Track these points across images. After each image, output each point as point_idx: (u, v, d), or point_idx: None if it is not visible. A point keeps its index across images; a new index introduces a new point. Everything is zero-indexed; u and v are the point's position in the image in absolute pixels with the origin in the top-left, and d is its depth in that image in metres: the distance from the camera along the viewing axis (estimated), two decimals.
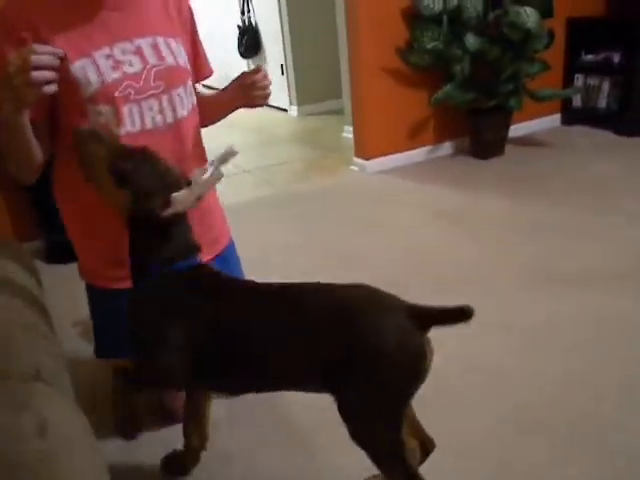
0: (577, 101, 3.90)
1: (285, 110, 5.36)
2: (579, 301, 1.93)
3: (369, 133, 3.41)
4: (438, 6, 3.13)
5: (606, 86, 3.72)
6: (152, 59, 1.29)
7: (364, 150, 3.45)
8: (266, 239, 2.68)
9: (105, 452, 1.44)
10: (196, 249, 1.20)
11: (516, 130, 3.72)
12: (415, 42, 3.22)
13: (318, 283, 1.12)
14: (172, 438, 1.52)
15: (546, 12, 3.12)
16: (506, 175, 3.18)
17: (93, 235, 1.39)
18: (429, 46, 3.16)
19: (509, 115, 3.43)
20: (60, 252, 2.65)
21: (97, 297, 1.46)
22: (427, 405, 1.18)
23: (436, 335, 1.03)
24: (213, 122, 1.54)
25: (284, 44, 5.08)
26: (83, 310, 2.18)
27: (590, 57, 3.77)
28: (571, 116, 3.94)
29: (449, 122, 3.57)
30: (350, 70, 3.37)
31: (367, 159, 3.42)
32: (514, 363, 1.67)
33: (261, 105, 1.42)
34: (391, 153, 3.46)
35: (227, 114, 1.51)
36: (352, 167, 3.51)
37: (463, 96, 3.23)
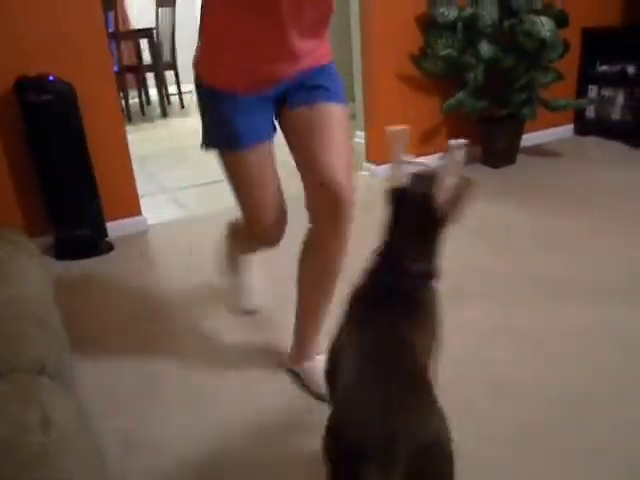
0: (590, 112, 3.88)
1: None
2: (594, 313, 1.92)
3: (381, 138, 3.41)
4: (453, 14, 3.12)
5: (620, 98, 3.70)
6: None
7: (375, 155, 3.45)
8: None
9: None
10: None
11: (528, 139, 3.71)
12: (429, 49, 3.22)
13: None
14: (167, 438, 1.52)
15: (561, 22, 3.11)
16: (518, 184, 3.17)
17: (233, 46, 1.43)
18: (443, 53, 3.16)
19: (522, 124, 3.42)
20: (70, 248, 2.67)
21: (213, 98, 1.51)
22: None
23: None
24: None
25: None
26: (91, 306, 2.20)
27: (605, 68, 3.76)
28: (584, 127, 3.93)
29: (461, 129, 3.55)
30: (363, 75, 3.38)
31: (378, 164, 3.42)
32: (525, 373, 1.66)
33: None
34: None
35: None
36: (363, 172, 3.51)
37: (476, 104, 3.22)
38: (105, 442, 1.50)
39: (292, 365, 1.73)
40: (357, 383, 0.96)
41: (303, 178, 1.52)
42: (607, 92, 3.77)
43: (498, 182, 3.21)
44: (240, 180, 1.57)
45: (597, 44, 3.73)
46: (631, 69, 3.60)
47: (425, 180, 1.17)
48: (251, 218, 1.63)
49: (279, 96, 1.53)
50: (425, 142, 3.51)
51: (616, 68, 3.69)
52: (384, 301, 1.11)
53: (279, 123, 1.58)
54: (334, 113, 1.49)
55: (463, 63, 3.16)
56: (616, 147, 3.64)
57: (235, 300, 2.08)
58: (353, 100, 4.20)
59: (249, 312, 2.07)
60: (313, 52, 1.50)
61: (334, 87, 1.53)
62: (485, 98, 3.23)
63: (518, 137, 3.47)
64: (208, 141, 1.58)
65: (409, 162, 1.24)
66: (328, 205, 1.44)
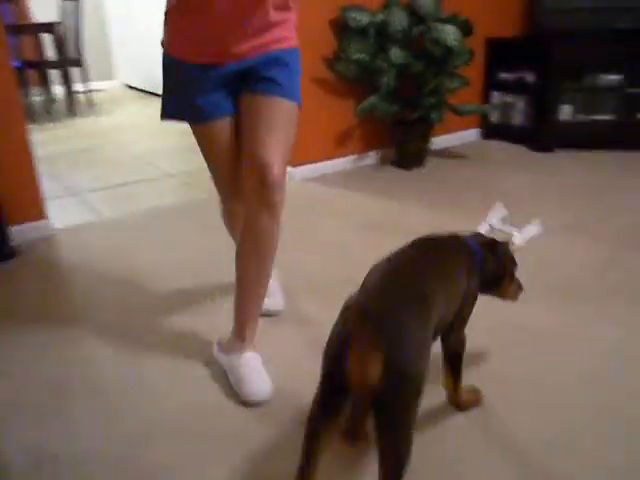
0: (495, 117, 4.09)
1: None
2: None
3: (296, 140, 3.43)
4: (365, 19, 3.20)
5: (521, 104, 3.93)
6: None
7: (291, 157, 3.46)
8: (197, 241, 2.67)
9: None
10: None
11: (438, 143, 3.86)
12: (342, 52, 3.28)
13: None
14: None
15: (466, 31, 3.26)
16: (427, 186, 3.29)
17: (193, 18, 1.53)
18: (355, 57, 3.23)
19: (431, 128, 3.55)
20: None
21: (173, 67, 1.62)
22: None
23: None
24: None
25: None
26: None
27: (507, 75, 3.97)
28: (489, 131, 4.14)
29: (375, 132, 3.65)
30: None
31: (294, 166, 3.44)
32: None
33: None
34: (318, 161, 3.50)
35: None
36: None
37: (388, 107, 3.31)
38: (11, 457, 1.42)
39: (225, 351, 1.70)
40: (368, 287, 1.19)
41: (243, 158, 1.63)
42: (509, 98, 3.99)
43: (410, 184, 3.32)
44: (202, 148, 1.71)
45: (500, 53, 3.94)
46: (530, 77, 3.83)
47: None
48: (214, 181, 1.80)
49: (241, 77, 1.60)
50: (339, 145, 3.57)
51: (517, 76, 3.91)
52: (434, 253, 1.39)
53: (239, 103, 1.66)
54: (286, 108, 1.62)
55: (375, 67, 3.25)
56: (518, 150, 3.86)
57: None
58: None
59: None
60: (272, 31, 1.58)
61: (292, 84, 1.63)
62: (397, 102, 3.33)
63: (428, 140, 3.60)
64: (165, 111, 1.68)
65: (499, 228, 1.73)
66: (259, 184, 1.54)
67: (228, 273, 1.76)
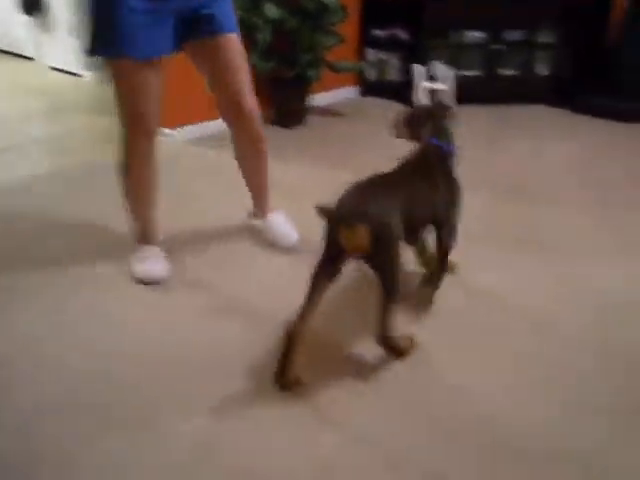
0: (372, 74, 4.18)
1: (80, 75, 4.96)
2: None
3: (172, 101, 3.30)
4: None
5: (394, 61, 4.03)
6: None
7: (168, 119, 3.33)
8: (75, 209, 2.52)
9: None
10: None
11: (317, 100, 3.89)
12: None
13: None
14: None
15: None
16: (308, 143, 3.32)
17: None
18: None
19: (309, 85, 3.56)
20: None
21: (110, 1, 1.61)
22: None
23: None
24: None
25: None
26: None
27: (380, 32, 4.05)
28: (366, 88, 4.22)
29: (255, 91, 3.59)
30: None
31: (172, 128, 3.32)
32: None
33: None
34: (197, 122, 3.40)
35: None
36: (160, 137, 3.39)
37: (265, 65, 3.27)
38: None
39: (255, 220, 2.25)
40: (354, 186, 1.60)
41: (216, 96, 1.96)
42: (384, 55, 4.08)
43: (292, 142, 3.33)
44: (128, 87, 1.73)
45: (373, 10, 4.00)
46: (402, 34, 3.93)
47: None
48: (132, 120, 1.80)
49: (185, 17, 1.71)
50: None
51: (390, 33, 4.00)
52: (407, 166, 1.77)
53: (185, 49, 1.83)
54: (232, 42, 1.83)
55: (250, 23, 3.18)
56: (394, 106, 3.97)
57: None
58: None
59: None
60: None
61: (232, 15, 1.82)
62: (273, 59, 3.30)
63: (306, 98, 3.61)
64: (98, 46, 1.67)
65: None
66: (239, 114, 1.95)
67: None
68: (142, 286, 1.94)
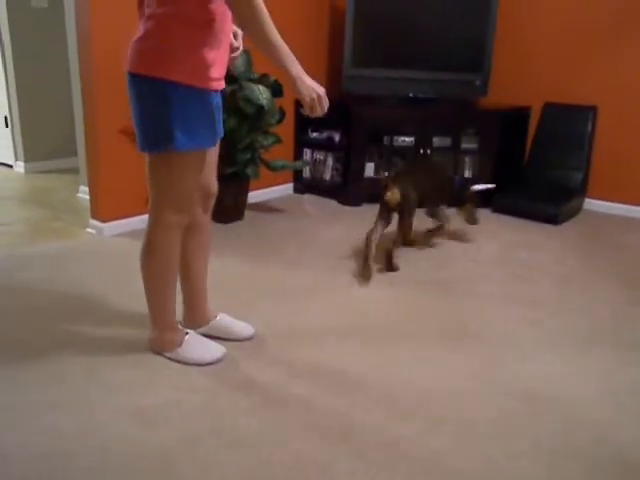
0: (307, 173, 4.31)
1: (10, 166, 4.87)
2: (311, 356, 2.07)
3: (107, 194, 3.27)
4: None
5: (330, 161, 4.19)
6: None
7: (101, 212, 3.28)
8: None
9: None
10: None
11: (255, 197, 3.95)
12: None
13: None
14: None
15: (276, 92, 3.43)
16: (246, 239, 3.32)
17: (217, 51, 1.73)
18: None
19: (247, 182, 3.62)
20: None
21: (195, 98, 1.72)
22: None
23: None
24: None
25: (9, 93, 4.67)
26: None
27: (316, 134, 4.23)
28: (302, 185, 4.34)
29: None
30: (85, 128, 3.23)
31: (104, 221, 3.26)
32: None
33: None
34: (130, 215, 3.36)
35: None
36: (88, 230, 3.32)
37: None
38: None
39: (197, 327, 2.13)
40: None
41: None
42: (319, 155, 4.24)
43: (229, 238, 3.32)
44: (194, 171, 1.82)
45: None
46: (337, 137, 4.12)
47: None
48: (183, 203, 1.86)
49: None
50: None
51: (325, 135, 4.18)
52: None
53: None
54: None
55: None
56: (329, 204, 4.09)
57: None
58: (76, 154, 3.98)
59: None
60: None
61: None
62: None
63: (245, 194, 3.66)
64: (181, 142, 1.72)
65: None
66: (209, 204, 2.04)
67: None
68: None
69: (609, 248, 3.33)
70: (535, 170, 4.14)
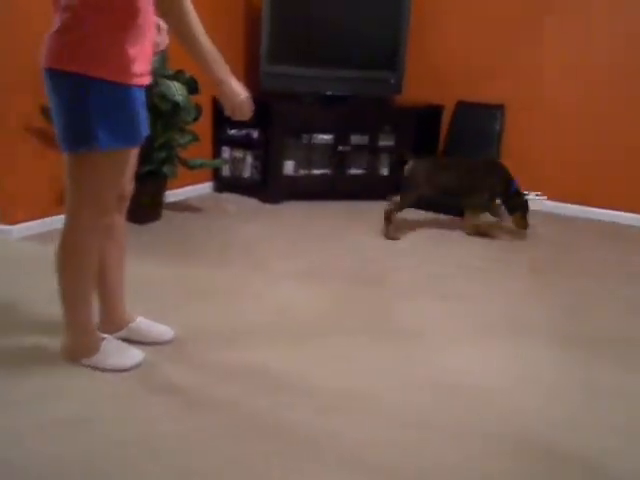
0: (226, 171, 4.26)
1: None
2: (234, 355, 2.06)
3: (14, 196, 3.10)
4: None
5: (249, 159, 4.16)
6: None
7: (8, 215, 3.11)
8: None
9: None
10: None
11: (173, 196, 3.86)
12: None
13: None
14: None
15: (192, 88, 3.36)
16: (164, 239, 3.24)
17: (141, 35, 1.65)
18: None
19: (164, 181, 3.53)
20: None
21: (119, 94, 1.64)
22: None
23: None
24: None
25: None
26: None
27: (234, 132, 4.19)
28: (221, 184, 4.28)
29: None
30: None
31: (13, 224, 3.09)
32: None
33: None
34: (40, 217, 3.19)
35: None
36: None
37: None
38: None
39: (114, 332, 2.04)
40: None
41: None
42: (238, 153, 4.20)
43: (145, 238, 3.23)
44: (116, 172, 1.75)
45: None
46: (256, 134, 4.09)
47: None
48: (105, 202, 1.79)
49: None
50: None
51: (243, 132, 4.15)
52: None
53: None
54: None
55: None
56: (249, 202, 4.06)
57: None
58: None
59: None
60: None
61: None
62: None
63: (162, 194, 3.57)
64: (99, 138, 1.63)
65: None
66: (123, 206, 1.97)
67: None
68: None
69: (524, 241, 3.51)
70: None
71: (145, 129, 1.80)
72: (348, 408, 1.79)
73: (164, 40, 1.85)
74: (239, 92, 1.74)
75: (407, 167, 3.33)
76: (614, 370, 2.08)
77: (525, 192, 3.50)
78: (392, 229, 3.38)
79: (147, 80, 1.75)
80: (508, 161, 4.25)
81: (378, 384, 1.93)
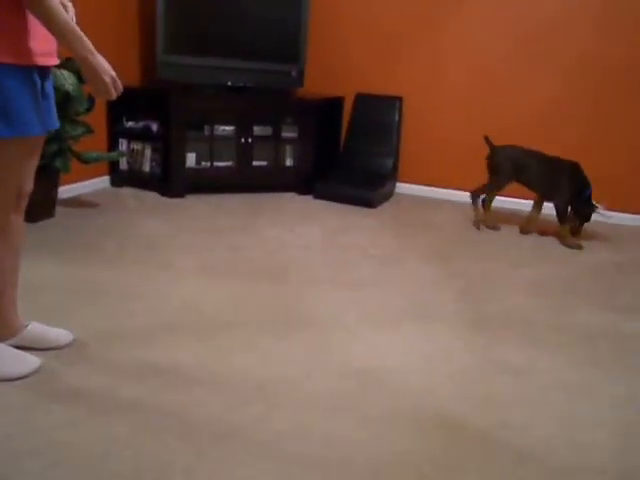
0: (124, 164, 4.09)
1: None
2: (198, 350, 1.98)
3: None
4: None
5: (148, 151, 4.02)
6: None
7: None
8: None
9: None
10: None
11: (67, 191, 3.65)
12: None
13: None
14: None
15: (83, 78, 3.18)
16: (58, 238, 3.06)
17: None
18: None
19: (57, 176, 3.33)
20: None
21: (22, 77, 1.54)
22: None
23: None
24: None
25: None
26: None
27: (131, 124, 4.02)
28: (119, 178, 4.10)
29: None
30: None
31: None
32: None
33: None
34: None
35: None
36: None
37: None
38: None
39: (5, 340, 1.89)
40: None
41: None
42: (137, 146, 4.03)
43: (37, 237, 3.03)
44: (24, 161, 1.66)
45: (124, 102, 3.96)
46: (154, 126, 3.95)
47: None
48: (7, 198, 1.69)
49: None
50: None
51: (141, 124, 3.99)
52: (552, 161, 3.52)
53: None
54: None
55: None
56: (150, 196, 3.92)
57: None
58: None
59: None
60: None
61: None
62: None
63: (54, 189, 3.36)
64: (11, 130, 1.53)
65: None
66: (22, 204, 1.79)
67: None
68: None
69: (420, 227, 3.64)
70: (351, 157, 4.38)
71: (51, 118, 1.69)
72: (264, 399, 1.78)
73: (72, 17, 1.69)
74: (104, 69, 1.59)
75: (491, 154, 3.51)
76: (519, 348, 2.22)
77: (595, 203, 3.41)
78: (491, 219, 3.65)
79: (51, 60, 1.64)
80: (406, 151, 4.40)
81: (293, 373, 1.94)
